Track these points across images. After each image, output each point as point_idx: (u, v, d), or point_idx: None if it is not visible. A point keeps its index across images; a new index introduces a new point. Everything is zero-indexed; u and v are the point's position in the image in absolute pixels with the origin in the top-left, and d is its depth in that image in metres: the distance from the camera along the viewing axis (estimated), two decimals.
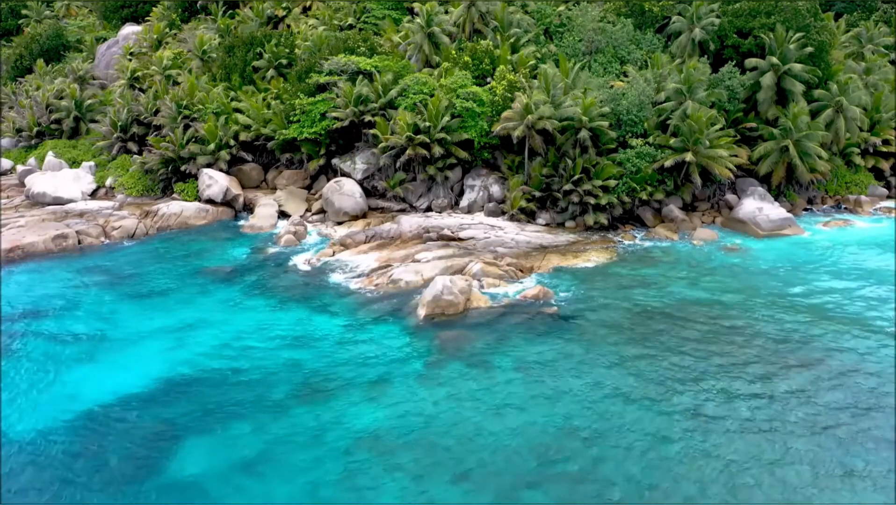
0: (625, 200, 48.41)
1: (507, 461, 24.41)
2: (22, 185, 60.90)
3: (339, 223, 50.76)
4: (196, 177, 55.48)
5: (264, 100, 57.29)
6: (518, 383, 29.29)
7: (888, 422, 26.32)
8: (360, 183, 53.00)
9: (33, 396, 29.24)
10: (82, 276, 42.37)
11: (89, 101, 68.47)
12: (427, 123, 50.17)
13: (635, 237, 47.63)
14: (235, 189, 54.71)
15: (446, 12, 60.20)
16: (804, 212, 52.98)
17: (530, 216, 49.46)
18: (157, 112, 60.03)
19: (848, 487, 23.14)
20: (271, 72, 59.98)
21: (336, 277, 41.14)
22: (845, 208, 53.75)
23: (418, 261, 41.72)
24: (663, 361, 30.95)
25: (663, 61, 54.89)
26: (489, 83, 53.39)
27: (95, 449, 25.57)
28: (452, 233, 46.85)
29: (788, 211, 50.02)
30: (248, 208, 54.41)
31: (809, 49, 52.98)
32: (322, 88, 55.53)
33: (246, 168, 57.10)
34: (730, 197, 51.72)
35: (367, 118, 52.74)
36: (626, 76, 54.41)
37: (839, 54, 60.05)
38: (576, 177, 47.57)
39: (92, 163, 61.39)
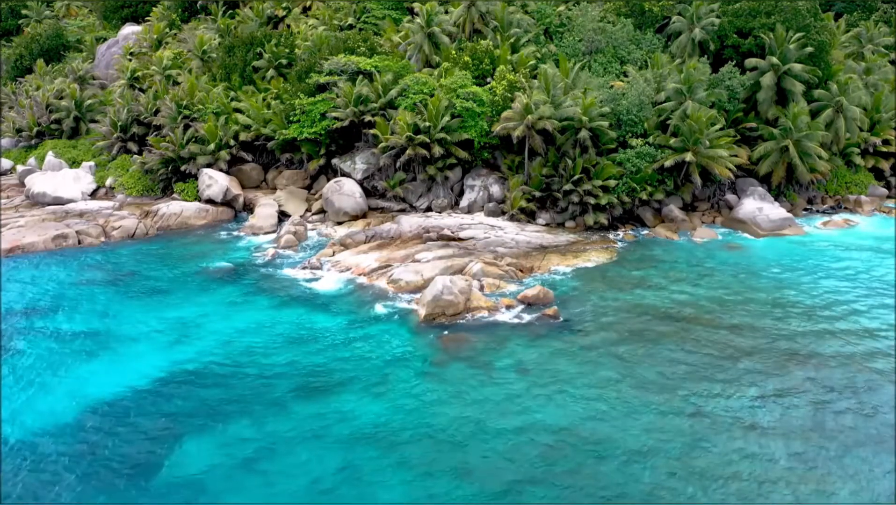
0: (625, 200, 48.45)
1: (510, 458, 24.43)
2: (22, 185, 60.92)
3: (339, 223, 50.78)
4: (196, 177, 55.48)
5: (264, 100, 57.30)
6: (518, 383, 29.31)
7: (887, 423, 26.36)
8: (360, 183, 53.01)
9: (34, 394, 29.21)
10: (82, 275, 42.38)
11: (89, 101, 68.49)
12: (427, 123, 50.17)
13: (635, 237, 47.64)
14: (235, 189, 54.72)
15: (446, 12, 60.24)
16: (804, 212, 53.04)
17: (530, 216, 49.46)
18: (157, 112, 60.05)
19: (846, 487, 23.17)
20: (271, 72, 60.01)
21: (336, 277, 41.13)
22: (845, 208, 53.80)
23: (418, 261, 41.71)
24: (663, 360, 30.98)
25: (663, 61, 54.94)
26: (489, 83, 53.41)
27: (96, 447, 25.55)
28: (452, 233, 46.85)
29: (788, 211, 50.10)
30: (248, 208, 54.39)
31: (809, 49, 53.04)
32: (322, 88, 55.54)
33: (246, 168, 57.11)
34: (730, 197, 51.77)
35: (367, 118, 52.75)
36: (626, 76, 54.44)
37: (839, 54, 60.11)
38: (576, 177, 47.58)
39: (92, 163, 61.40)
